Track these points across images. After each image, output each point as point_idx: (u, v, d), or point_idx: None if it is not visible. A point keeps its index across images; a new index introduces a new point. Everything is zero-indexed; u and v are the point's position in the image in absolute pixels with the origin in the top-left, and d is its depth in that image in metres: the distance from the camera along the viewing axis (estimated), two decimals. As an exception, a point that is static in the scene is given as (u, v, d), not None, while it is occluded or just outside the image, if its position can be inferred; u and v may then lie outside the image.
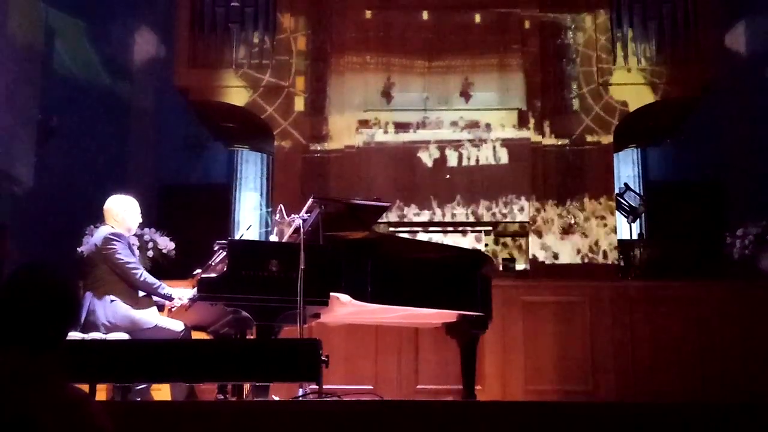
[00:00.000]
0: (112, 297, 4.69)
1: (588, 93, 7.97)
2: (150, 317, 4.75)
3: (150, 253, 7.07)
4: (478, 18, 8.08)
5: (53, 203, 7.66)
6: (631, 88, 7.97)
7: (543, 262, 7.70)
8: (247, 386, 4.55)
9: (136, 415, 3.65)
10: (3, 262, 6.46)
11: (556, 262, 7.70)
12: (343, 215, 4.63)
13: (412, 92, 8.00)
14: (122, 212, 4.95)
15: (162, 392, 5.09)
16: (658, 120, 8.30)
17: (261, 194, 9.38)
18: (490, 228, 7.76)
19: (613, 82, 7.97)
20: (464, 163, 7.88)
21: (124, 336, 4.63)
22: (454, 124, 7.95)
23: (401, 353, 6.46)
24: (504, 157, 7.87)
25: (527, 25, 8.05)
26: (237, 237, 7.06)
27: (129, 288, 4.75)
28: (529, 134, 7.88)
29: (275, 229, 4.92)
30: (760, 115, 8.29)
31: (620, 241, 7.86)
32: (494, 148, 7.87)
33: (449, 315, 5.09)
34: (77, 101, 8.35)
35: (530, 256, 7.74)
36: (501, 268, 7.59)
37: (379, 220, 5.09)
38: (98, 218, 5.19)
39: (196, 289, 4.43)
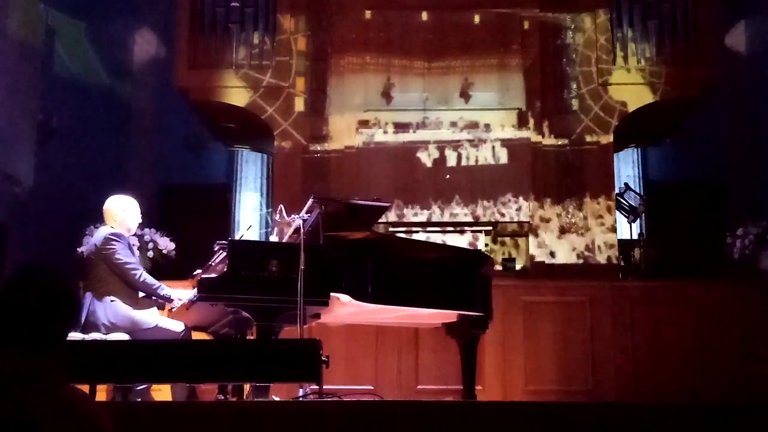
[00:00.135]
0: (113, 297, 4.69)
1: (587, 93, 7.98)
2: (150, 318, 4.75)
3: (150, 254, 7.08)
4: (477, 18, 8.08)
5: (53, 203, 7.67)
6: (631, 88, 7.97)
7: (543, 262, 7.70)
8: (247, 387, 4.55)
9: (136, 415, 3.65)
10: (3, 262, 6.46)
11: (556, 262, 7.70)
12: (343, 215, 4.63)
13: (412, 92, 8.01)
14: (121, 212, 4.95)
15: (162, 393, 5.09)
16: (658, 120, 8.30)
17: (261, 194, 9.39)
18: (489, 228, 7.76)
19: (613, 82, 7.97)
20: (464, 163, 7.88)
21: (125, 336, 4.63)
22: (453, 124, 7.95)
23: (401, 353, 6.46)
24: (503, 157, 7.87)
25: (527, 25, 8.05)
26: (237, 237, 7.06)
27: (129, 288, 4.75)
28: (528, 134, 7.88)
29: (275, 229, 4.91)
30: (760, 115, 8.29)
31: (620, 241, 7.87)
32: (494, 148, 7.87)
33: (449, 315, 5.09)
34: (77, 101, 8.37)
35: (530, 256, 7.74)
36: (501, 268, 7.59)
37: (379, 220, 5.08)
38: (98, 218, 5.19)
39: (196, 289, 4.42)
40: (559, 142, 7.93)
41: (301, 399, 4.35)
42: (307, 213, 4.50)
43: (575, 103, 7.99)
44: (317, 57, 8.16)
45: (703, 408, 4.08)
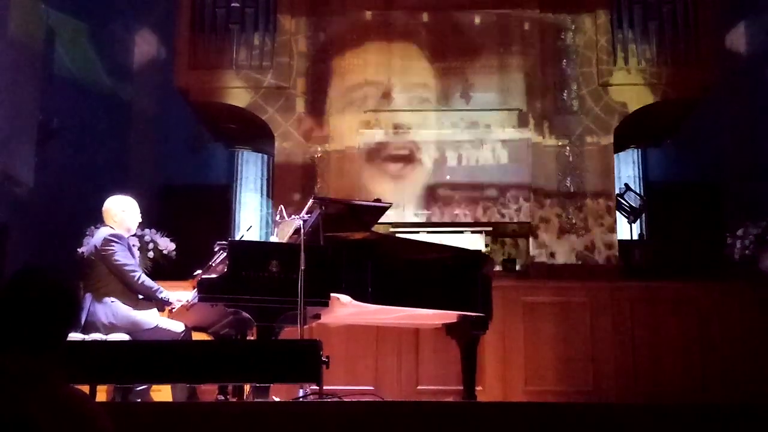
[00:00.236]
0: (112, 298, 4.70)
1: (588, 94, 7.98)
2: (150, 318, 4.75)
3: (150, 254, 7.08)
4: (478, 19, 8.08)
5: (53, 203, 7.67)
6: (631, 89, 7.97)
7: (543, 263, 7.70)
8: (247, 387, 4.55)
9: (136, 416, 3.65)
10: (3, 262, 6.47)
11: (556, 262, 7.70)
12: (344, 216, 4.63)
13: (413, 93, 8.01)
14: (121, 213, 4.95)
15: (162, 393, 5.09)
16: (658, 121, 8.30)
17: (261, 195, 9.38)
18: (489, 228, 7.75)
19: (613, 83, 7.97)
20: (464, 163, 7.88)
21: (125, 337, 4.63)
22: (454, 124, 7.95)
23: (401, 354, 6.46)
24: (504, 157, 7.87)
25: (527, 26, 8.05)
26: (237, 238, 7.06)
27: (129, 289, 4.76)
28: (529, 135, 7.88)
29: (276, 229, 4.91)
30: (760, 116, 8.29)
31: (620, 241, 7.86)
32: (494, 148, 7.88)
33: (450, 315, 5.09)
34: (78, 102, 8.36)
35: (530, 257, 7.74)
36: (501, 269, 7.59)
37: (379, 221, 5.07)
38: (98, 218, 5.19)
39: (196, 290, 4.43)
40: (560, 143, 7.93)
41: (301, 399, 4.35)
42: (307, 213, 4.50)
43: (575, 104, 7.99)
44: (318, 58, 8.16)
45: (703, 408, 4.08)
